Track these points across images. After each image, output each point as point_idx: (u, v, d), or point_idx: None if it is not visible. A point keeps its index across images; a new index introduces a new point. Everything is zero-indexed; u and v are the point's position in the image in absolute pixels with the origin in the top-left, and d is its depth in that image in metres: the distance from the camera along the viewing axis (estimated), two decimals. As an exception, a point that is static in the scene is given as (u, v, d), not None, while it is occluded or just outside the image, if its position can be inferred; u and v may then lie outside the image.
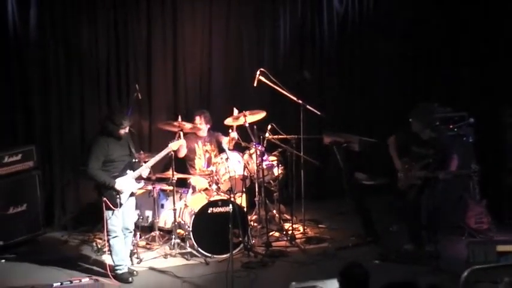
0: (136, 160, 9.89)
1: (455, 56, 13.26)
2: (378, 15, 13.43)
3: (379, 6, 13.42)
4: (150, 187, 10.93)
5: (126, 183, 9.63)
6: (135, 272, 9.91)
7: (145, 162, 10.02)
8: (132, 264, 10.10)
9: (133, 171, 9.74)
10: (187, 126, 10.73)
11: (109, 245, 9.71)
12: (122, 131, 9.65)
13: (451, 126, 11.50)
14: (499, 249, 9.59)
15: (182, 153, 11.32)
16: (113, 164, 9.61)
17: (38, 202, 11.40)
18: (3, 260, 10.60)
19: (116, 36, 12.32)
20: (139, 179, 9.92)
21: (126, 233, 9.82)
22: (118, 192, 9.53)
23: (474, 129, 11.54)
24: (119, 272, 9.68)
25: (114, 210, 9.53)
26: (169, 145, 10.22)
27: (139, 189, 10.22)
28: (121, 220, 9.70)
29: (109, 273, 9.65)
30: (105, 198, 9.49)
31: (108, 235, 9.67)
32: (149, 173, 10.15)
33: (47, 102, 12.04)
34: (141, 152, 10.36)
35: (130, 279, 9.67)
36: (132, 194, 9.84)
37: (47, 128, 12.10)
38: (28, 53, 11.88)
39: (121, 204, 9.59)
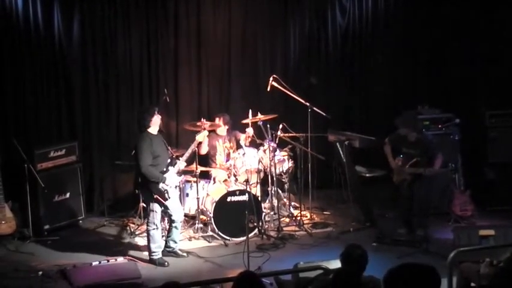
0: (173, 157, 9.94)
1: (445, 63, 13.22)
2: (376, 27, 13.41)
3: (377, 19, 13.40)
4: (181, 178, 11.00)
5: (172, 178, 9.70)
6: (186, 254, 9.98)
7: (175, 157, 10.06)
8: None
9: (173, 166, 9.79)
10: (207, 124, 10.75)
11: (148, 235, 9.74)
12: (156, 118, 9.66)
13: (439, 126, 11.57)
14: (481, 233, 9.54)
15: (204, 150, 11.34)
16: (158, 160, 9.59)
17: (80, 191, 11.49)
18: (49, 242, 10.65)
19: (147, 45, 12.36)
20: (178, 172, 9.96)
21: (177, 223, 9.86)
22: (166, 187, 9.53)
23: (460, 129, 11.57)
24: (154, 257, 9.69)
25: (164, 204, 9.58)
26: (196, 137, 10.25)
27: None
28: (160, 215, 9.74)
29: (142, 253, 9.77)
30: (155, 195, 9.52)
31: (148, 226, 9.72)
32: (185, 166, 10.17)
33: (87, 105, 12.12)
34: (170, 147, 10.39)
35: (166, 263, 9.68)
36: (175, 187, 9.92)
37: (87, 127, 12.17)
38: (71, 63, 11.94)
39: (169, 198, 9.60)
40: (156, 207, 9.63)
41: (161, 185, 9.52)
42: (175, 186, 9.92)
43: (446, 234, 10.23)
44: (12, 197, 10.81)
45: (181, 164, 9.91)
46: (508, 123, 11.78)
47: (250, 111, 11.15)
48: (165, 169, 9.65)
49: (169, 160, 9.77)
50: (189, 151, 10.11)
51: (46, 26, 11.72)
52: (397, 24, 13.33)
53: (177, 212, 9.84)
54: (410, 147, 10.32)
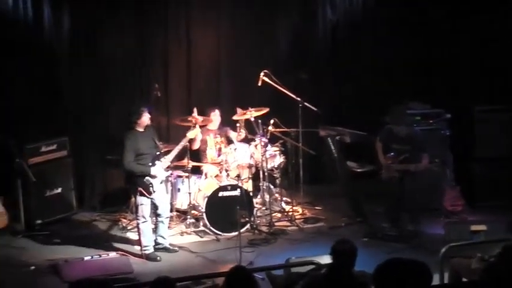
0: (162, 152, 9.92)
1: (436, 59, 13.22)
2: (366, 22, 13.40)
3: (367, 15, 13.40)
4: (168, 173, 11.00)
5: (158, 171, 9.69)
6: (177, 249, 10.02)
7: (163, 153, 10.02)
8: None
9: (160, 161, 9.77)
10: (200, 119, 10.76)
11: (138, 229, 9.76)
12: (144, 118, 9.70)
13: (430, 121, 11.57)
14: (472, 228, 9.60)
15: (196, 145, 11.31)
16: (143, 157, 9.62)
17: (71, 186, 11.49)
18: (40, 236, 10.63)
19: (138, 42, 12.34)
20: (166, 168, 9.95)
21: (164, 218, 9.89)
22: (151, 181, 9.56)
23: (450, 124, 11.57)
24: (146, 251, 9.70)
25: (149, 197, 9.59)
26: (187, 134, 10.25)
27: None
28: (150, 207, 9.73)
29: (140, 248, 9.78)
30: (140, 188, 9.55)
31: (137, 219, 9.74)
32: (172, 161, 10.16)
33: (78, 101, 12.09)
34: (161, 142, 10.35)
35: (158, 258, 9.69)
36: (161, 182, 9.90)
37: (78, 122, 12.13)
38: (62, 57, 11.93)
39: (154, 192, 9.62)
40: (143, 200, 9.63)
41: (146, 178, 9.55)
42: (161, 181, 9.91)
43: (437, 230, 10.27)
44: (4, 192, 10.79)
45: (165, 162, 9.89)
46: (495, 118, 11.81)
47: (238, 110, 11.16)
48: (151, 164, 9.66)
49: (157, 155, 9.78)
50: (179, 147, 10.10)
51: (36, 20, 11.67)
52: (387, 19, 13.29)
53: (163, 207, 9.88)
54: (400, 143, 10.25)
